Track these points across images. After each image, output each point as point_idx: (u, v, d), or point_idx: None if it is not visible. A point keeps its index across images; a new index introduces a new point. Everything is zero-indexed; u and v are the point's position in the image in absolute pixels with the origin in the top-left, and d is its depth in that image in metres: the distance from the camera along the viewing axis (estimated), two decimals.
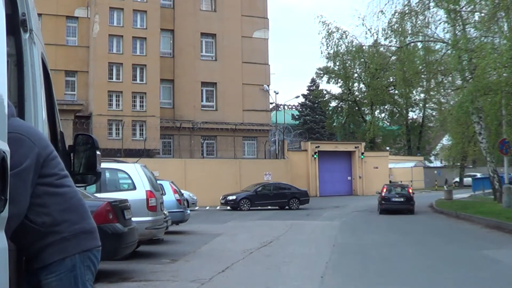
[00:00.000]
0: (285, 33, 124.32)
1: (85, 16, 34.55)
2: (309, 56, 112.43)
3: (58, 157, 2.37)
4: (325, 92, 55.47)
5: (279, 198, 28.24)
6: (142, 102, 34.99)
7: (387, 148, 58.11)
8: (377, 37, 34.11)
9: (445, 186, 39.51)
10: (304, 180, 37.75)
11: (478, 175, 44.94)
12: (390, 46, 33.52)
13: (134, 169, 10.88)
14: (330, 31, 45.97)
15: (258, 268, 9.53)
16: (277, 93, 42.98)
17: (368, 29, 37.58)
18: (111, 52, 34.26)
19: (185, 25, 37.89)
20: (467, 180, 49.19)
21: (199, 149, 37.60)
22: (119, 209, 8.06)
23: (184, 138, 37.30)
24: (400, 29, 27.94)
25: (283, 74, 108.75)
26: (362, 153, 42.58)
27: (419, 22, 27.56)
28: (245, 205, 27.46)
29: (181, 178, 28.52)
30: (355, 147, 42.89)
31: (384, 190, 24.99)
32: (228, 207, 28.04)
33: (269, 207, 28.17)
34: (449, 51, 26.27)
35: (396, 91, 46.91)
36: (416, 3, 27.02)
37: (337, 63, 49.62)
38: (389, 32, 28.73)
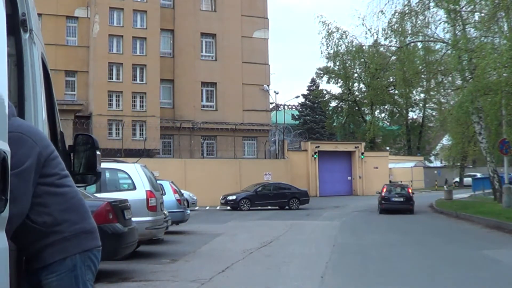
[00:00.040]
0: (285, 33, 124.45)
1: (85, 16, 34.55)
2: (309, 56, 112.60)
3: (59, 157, 2.38)
4: (325, 92, 55.49)
5: (279, 198, 28.24)
6: (142, 102, 34.99)
7: (387, 148, 58.12)
8: (377, 37, 34.17)
9: (445, 186, 39.51)
10: (304, 180, 37.76)
11: (478, 175, 44.95)
12: (390, 46, 33.55)
13: (134, 169, 10.88)
14: (330, 31, 46.01)
15: (258, 268, 9.53)
16: (277, 93, 43.04)
17: (368, 29, 37.62)
18: (111, 52, 34.27)
19: (185, 25, 37.89)
20: (467, 180, 49.20)
21: (199, 149, 37.60)
22: (119, 209, 8.06)
23: (184, 138, 37.30)
24: (400, 29, 27.94)
25: (283, 74, 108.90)
26: (362, 153, 42.58)
27: (419, 22, 27.59)
28: (245, 205, 27.46)
29: (181, 178, 28.51)
30: (355, 147, 42.89)
31: (384, 190, 25.16)
32: (228, 207, 28.04)
33: (269, 207, 28.17)
34: (449, 51, 26.27)
35: (396, 91, 46.91)
36: (416, 3, 27.06)
37: (337, 63, 49.63)
38: (389, 32, 28.76)
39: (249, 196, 27.93)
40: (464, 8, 24.21)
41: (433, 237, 14.85)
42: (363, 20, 49.78)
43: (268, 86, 40.70)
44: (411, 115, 59.26)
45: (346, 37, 45.68)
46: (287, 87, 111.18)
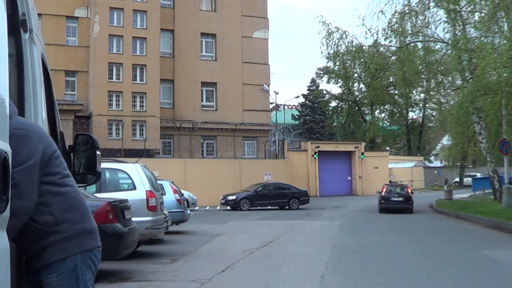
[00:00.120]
0: (285, 33, 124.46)
1: (85, 16, 34.55)
2: (309, 56, 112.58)
3: (61, 157, 2.39)
4: (325, 92, 55.49)
5: (279, 198, 28.24)
6: (142, 102, 34.99)
7: (387, 148, 58.12)
8: (377, 37, 34.18)
9: (445, 186, 39.51)
10: (304, 180, 37.76)
11: (478, 175, 44.95)
12: (390, 46, 33.55)
13: (134, 169, 10.88)
14: (330, 31, 46.01)
15: (258, 268, 9.53)
16: (277, 93, 43.05)
17: (368, 29, 37.66)
18: (111, 52, 34.27)
19: (185, 25, 37.89)
20: (467, 180, 49.20)
21: (199, 149, 37.60)
22: (119, 209, 8.06)
23: (184, 138, 37.30)
24: (400, 29, 27.94)
25: (283, 74, 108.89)
26: (362, 153, 42.58)
27: (419, 22, 27.59)
28: (245, 205, 27.46)
29: (181, 178, 28.52)
30: (355, 147, 42.89)
31: (384, 190, 25.48)
32: (228, 207, 28.03)
33: (269, 207, 28.17)
34: (449, 51, 26.27)
35: (396, 91, 46.93)
36: (416, 3, 27.06)
37: (337, 63, 49.63)
38: (389, 32, 28.75)
39: (249, 196, 27.93)
40: (464, 8, 24.21)
41: (433, 237, 14.85)
42: (363, 20, 49.89)
43: (268, 86, 40.71)
44: (411, 115, 59.36)
45: (346, 37, 45.74)
46: (287, 87, 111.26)
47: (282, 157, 38.17)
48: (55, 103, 3.12)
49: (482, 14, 23.17)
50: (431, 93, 39.28)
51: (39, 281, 2.28)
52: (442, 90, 34.99)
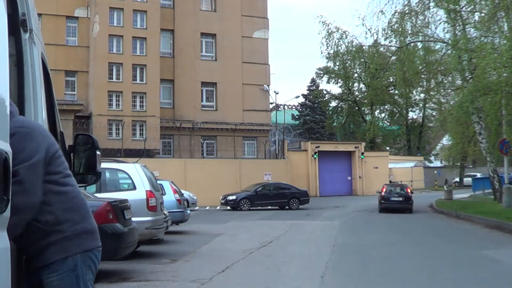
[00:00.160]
0: (285, 33, 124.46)
1: (85, 16, 34.55)
2: (309, 56, 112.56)
3: (63, 156, 2.40)
4: (325, 92, 55.49)
5: (279, 198, 28.23)
6: (142, 102, 34.99)
7: (387, 148, 58.11)
8: (377, 37, 34.20)
9: (445, 186, 39.51)
10: (304, 180, 37.75)
11: (478, 175, 44.95)
12: (390, 46, 33.56)
13: (134, 169, 10.88)
14: (330, 31, 46.02)
15: (258, 268, 9.53)
16: (277, 93, 43.05)
17: (368, 29, 37.69)
18: (111, 52, 34.27)
19: (185, 25, 37.90)
20: (467, 180, 49.20)
21: (199, 149, 37.60)
22: (119, 209, 8.06)
23: (184, 138, 37.30)
24: (400, 29, 27.94)
25: (283, 74, 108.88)
26: (362, 153, 42.58)
27: (419, 22, 27.59)
28: (245, 205, 27.46)
29: (181, 178, 28.51)
30: (355, 147, 42.89)
31: (384, 190, 25.68)
32: (228, 207, 28.03)
33: (269, 207, 28.16)
34: (449, 51, 26.27)
35: (396, 91, 46.94)
36: (416, 3, 27.05)
37: (337, 63, 49.63)
38: (389, 32, 28.75)
39: (249, 196, 27.93)
40: (464, 8, 24.20)
41: (433, 237, 14.85)
42: (363, 20, 49.92)
43: (268, 86, 40.71)
44: (411, 115, 59.36)
45: (346, 37, 45.76)
46: (287, 87, 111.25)
47: (282, 157, 38.17)
48: (55, 103, 3.12)
49: (482, 14, 23.17)
50: (431, 93, 39.29)
51: (39, 280, 2.28)
52: (442, 90, 35.00)
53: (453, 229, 17.76)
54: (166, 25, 36.80)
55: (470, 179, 45.91)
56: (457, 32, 24.72)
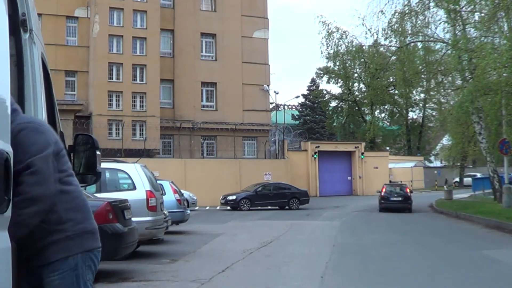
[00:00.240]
0: (285, 33, 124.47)
1: (85, 16, 34.55)
2: (309, 56, 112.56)
3: (67, 156, 2.42)
4: (325, 92, 55.49)
5: (279, 198, 28.24)
6: (142, 102, 35.00)
7: (387, 148, 58.11)
8: (377, 37, 34.21)
9: (445, 186, 39.51)
10: (304, 180, 37.76)
11: (478, 175, 44.95)
12: (390, 46, 33.56)
13: (134, 169, 10.88)
14: (330, 31, 46.03)
15: (258, 268, 9.53)
16: (277, 93, 43.05)
17: (368, 29, 37.74)
18: (111, 52, 34.27)
19: (185, 25, 37.90)
20: (467, 180, 49.20)
21: (199, 149, 37.61)
22: (119, 209, 8.06)
23: (184, 138, 37.30)
24: (400, 29, 27.94)
25: (283, 74, 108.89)
26: (362, 153, 42.58)
27: (419, 22, 27.58)
28: (245, 205, 27.46)
29: (181, 178, 28.52)
30: (355, 147, 42.89)
31: (384, 190, 25.99)
32: (228, 207, 28.03)
33: (269, 207, 28.16)
34: (449, 51, 26.27)
35: (396, 91, 46.94)
36: (416, 3, 27.05)
37: (337, 63, 49.63)
38: (389, 32, 28.75)
39: (249, 196, 27.93)
40: (464, 8, 24.20)
41: (433, 237, 14.85)
42: (363, 20, 50.01)
43: (268, 86, 40.72)
44: (411, 115, 59.36)
45: (346, 37, 45.77)
46: (287, 87, 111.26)
47: (282, 157, 38.17)
48: (55, 103, 3.13)
49: (482, 14, 23.17)
50: (431, 93, 39.29)
51: (39, 280, 2.29)
52: (442, 90, 35.00)
53: (453, 229, 17.76)
54: (166, 25, 36.80)
55: (470, 179, 45.91)
56: (457, 32, 24.72)
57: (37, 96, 2.58)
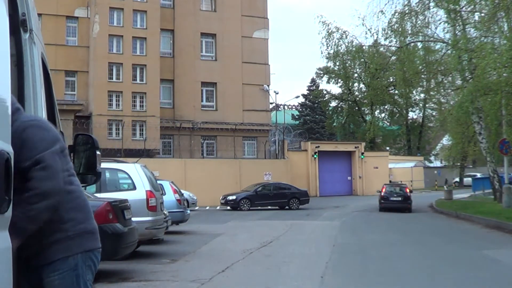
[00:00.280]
0: (285, 33, 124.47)
1: (85, 16, 34.56)
2: (309, 56, 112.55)
3: (68, 156, 2.43)
4: (325, 92, 55.48)
5: (279, 198, 28.24)
6: (142, 102, 35.00)
7: (387, 148, 58.11)
8: (377, 37, 34.21)
9: (445, 186, 39.51)
10: (304, 180, 37.75)
11: (478, 175, 44.95)
12: (390, 46, 33.56)
13: (134, 169, 10.88)
14: (330, 31, 46.02)
15: (258, 268, 9.53)
16: (277, 93, 43.04)
17: (368, 29, 37.76)
18: (111, 52, 34.27)
19: (185, 25, 37.90)
20: (467, 180, 49.20)
21: (199, 149, 37.61)
22: (119, 209, 8.06)
23: (184, 138, 37.30)
24: (400, 29, 27.94)
25: (283, 74, 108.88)
26: (362, 153, 42.58)
27: (419, 22, 27.59)
28: (245, 205, 27.46)
29: (181, 178, 28.53)
30: (355, 147, 42.89)
31: (384, 190, 26.13)
32: (228, 207, 28.03)
33: (269, 207, 28.16)
34: (449, 51, 26.27)
35: (396, 91, 46.95)
36: (416, 3, 27.06)
37: (337, 63, 49.64)
38: (389, 32, 28.75)
39: (249, 196, 27.93)
40: (464, 8, 24.20)
41: (433, 237, 14.85)
42: (363, 20, 50.06)
43: (268, 86, 40.72)
44: (411, 115, 59.35)
45: (346, 37, 45.77)
46: (287, 87, 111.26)
47: (282, 157, 38.17)
48: (55, 103, 3.13)
49: (482, 14, 23.17)
50: (431, 93, 39.28)
51: (39, 279, 2.29)
52: (442, 90, 34.99)
53: (453, 229, 17.76)
54: (166, 25, 36.81)
55: (470, 179, 45.90)
56: (457, 32, 24.72)
57: (37, 96, 2.58)
